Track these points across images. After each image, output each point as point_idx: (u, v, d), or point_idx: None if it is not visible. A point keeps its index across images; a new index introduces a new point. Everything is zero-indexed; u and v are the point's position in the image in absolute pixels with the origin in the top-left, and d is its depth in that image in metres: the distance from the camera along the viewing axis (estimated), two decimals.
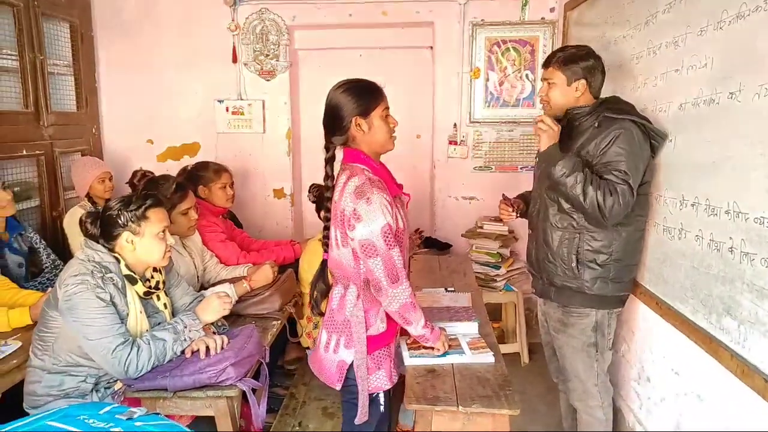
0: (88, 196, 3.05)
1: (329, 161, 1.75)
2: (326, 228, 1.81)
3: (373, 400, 1.77)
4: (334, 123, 1.71)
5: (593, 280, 2.03)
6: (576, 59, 2.04)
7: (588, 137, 2.00)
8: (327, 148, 1.74)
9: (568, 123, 2.08)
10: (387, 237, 1.63)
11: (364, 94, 1.70)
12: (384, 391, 1.79)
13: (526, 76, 3.65)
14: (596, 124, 1.99)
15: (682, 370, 1.94)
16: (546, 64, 2.11)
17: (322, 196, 2.52)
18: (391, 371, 1.80)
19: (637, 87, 2.25)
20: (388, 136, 1.74)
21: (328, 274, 1.86)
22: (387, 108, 1.73)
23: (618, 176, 1.88)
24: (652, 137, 1.99)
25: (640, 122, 1.96)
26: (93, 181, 3.04)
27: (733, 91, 1.55)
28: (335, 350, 1.78)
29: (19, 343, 1.97)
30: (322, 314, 1.91)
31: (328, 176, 1.76)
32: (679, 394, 1.95)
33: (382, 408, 1.80)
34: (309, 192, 2.78)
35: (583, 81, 2.03)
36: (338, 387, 1.78)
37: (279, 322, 2.32)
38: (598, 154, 1.94)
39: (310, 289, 1.91)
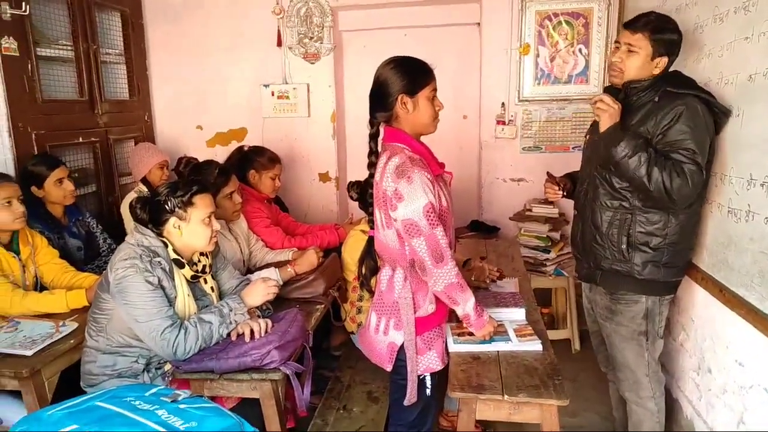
0: (145, 181, 3.15)
1: (373, 137, 1.75)
2: (370, 207, 1.80)
3: (420, 382, 1.76)
4: (379, 98, 1.70)
5: (644, 264, 1.91)
6: (668, 30, 1.86)
7: (646, 113, 1.85)
8: (371, 124, 1.74)
9: (624, 97, 1.94)
10: (430, 216, 1.61)
11: (413, 73, 1.68)
12: (432, 375, 1.77)
13: (579, 50, 3.48)
14: (656, 99, 1.85)
15: (747, 361, 1.82)
16: (632, 26, 1.88)
17: (364, 192, 2.51)
18: (443, 352, 1.79)
19: (701, 58, 2.09)
20: (431, 119, 1.72)
21: (375, 251, 1.86)
22: (435, 90, 1.71)
23: (685, 155, 1.75)
24: (716, 113, 1.84)
25: (704, 97, 1.81)
26: (153, 167, 3.13)
27: None
28: (385, 332, 1.78)
29: (76, 324, 2.05)
30: (371, 291, 1.93)
31: (372, 152, 1.76)
32: (744, 387, 1.83)
33: (428, 391, 1.79)
34: (349, 189, 2.74)
35: (666, 58, 1.86)
36: (389, 368, 1.79)
37: (323, 306, 2.32)
38: (660, 132, 1.80)
39: (358, 266, 1.93)
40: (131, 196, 2.84)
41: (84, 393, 1.26)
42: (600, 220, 1.97)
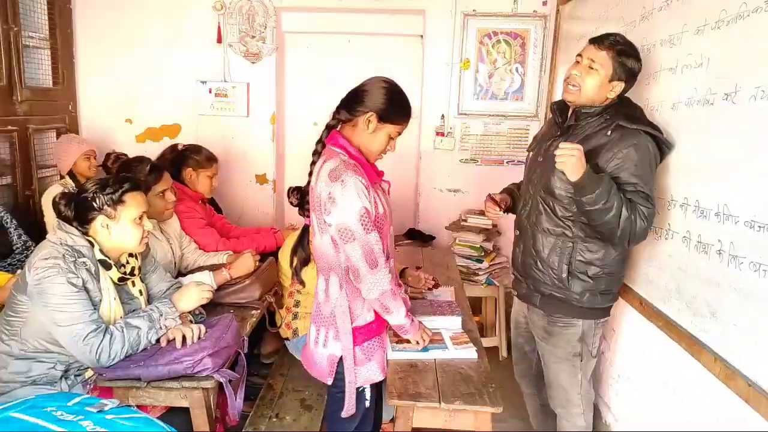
0: (71, 174, 2.96)
1: (329, 128, 1.75)
2: (308, 212, 1.81)
3: (359, 395, 1.74)
4: (353, 101, 1.69)
5: (583, 292, 1.92)
6: (633, 57, 1.81)
7: (601, 144, 1.81)
8: (333, 117, 1.74)
9: (575, 121, 1.91)
10: (364, 221, 1.61)
11: (396, 106, 1.69)
12: (371, 386, 1.76)
13: (516, 69, 3.62)
14: (608, 133, 1.80)
15: (663, 370, 1.94)
16: (598, 43, 1.82)
17: (304, 198, 2.48)
18: (384, 363, 1.78)
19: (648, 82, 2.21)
20: (378, 151, 1.75)
21: (307, 242, 1.86)
22: (399, 133, 1.74)
23: (642, 197, 1.75)
24: (663, 149, 1.83)
25: (653, 133, 1.80)
26: (78, 159, 2.95)
27: (729, 92, 1.54)
28: (324, 344, 1.75)
29: None
30: (303, 283, 1.95)
31: (316, 150, 1.77)
32: (659, 395, 1.96)
33: (367, 403, 1.77)
34: (289, 195, 2.70)
35: (622, 84, 1.82)
36: (329, 381, 1.76)
37: (258, 311, 2.26)
38: (613, 168, 1.78)
39: (290, 256, 1.91)
40: (55, 189, 2.66)
41: None
42: (541, 246, 1.96)
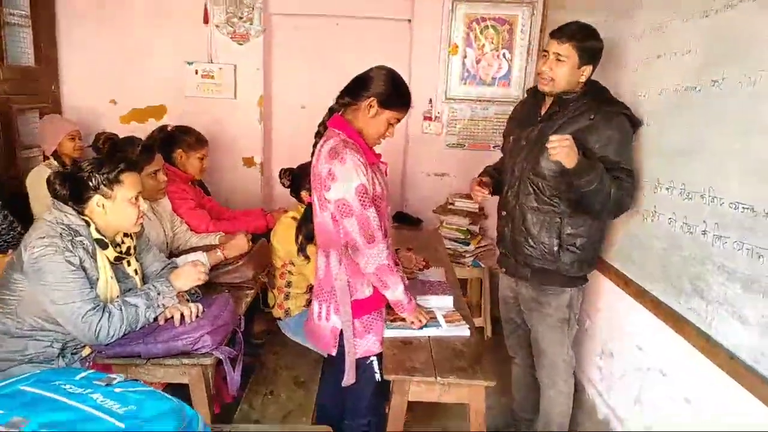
0: (56, 155, 2.92)
1: (331, 111, 1.82)
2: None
3: (367, 367, 1.81)
4: (357, 87, 1.76)
5: (573, 262, 2.06)
6: (592, 39, 1.96)
7: (585, 127, 1.94)
8: (337, 102, 1.80)
9: (558, 108, 2.03)
10: (362, 197, 1.68)
11: (397, 93, 1.77)
12: (379, 360, 1.82)
13: (504, 55, 3.66)
14: (591, 116, 1.94)
15: (646, 346, 2.03)
16: (559, 36, 1.96)
17: (295, 179, 2.50)
18: (382, 336, 1.83)
19: (619, 71, 2.28)
20: (378, 136, 1.81)
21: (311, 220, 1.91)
22: (398, 120, 1.81)
23: (625, 173, 1.94)
24: (635, 127, 2.02)
25: (628, 114, 1.98)
26: (63, 139, 2.92)
27: (716, 79, 1.60)
28: (327, 318, 1.82)
29: None
30: (308, 257, 2.05)
31: (318, 132, 1.85)
32: (642, 369, 2.04)
33: (377, 376, 1.83)
34: (281, 176, 2.71)
35: (590, 66, 1.97)
36: (333, 352, 1.83)
37: (252, 291, 2.29)
38: (599, 148, 1.92)
39: (296, 232, 2.00)
40: (41, 170, 2.63)
41: None
42: (531, 224, 2.08)
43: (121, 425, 1.02)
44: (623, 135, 1.95)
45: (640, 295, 2.00)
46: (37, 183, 2.70)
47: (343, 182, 1.67)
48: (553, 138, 1.83)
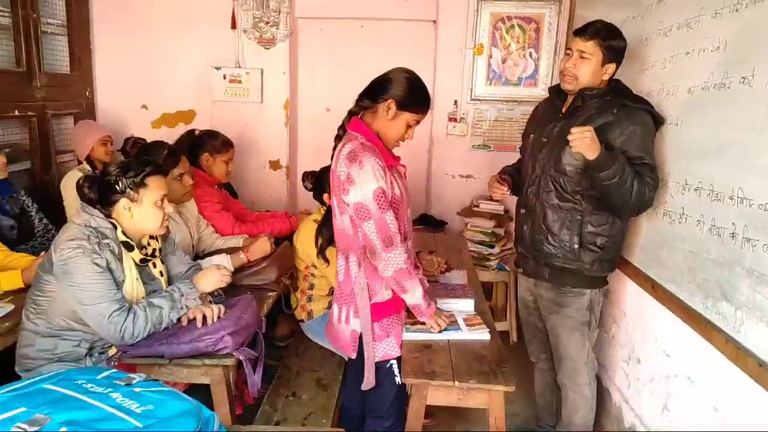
0: (88, 160, 3.02)
1: (351, 114, 1.82)
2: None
3: (387, 370, 1.82)
4: (375, 89, 1.76)
5: (593, 262, 2.04)
6: (617, 38, 1.95)
7: (608, 123, 1.93)
8: (356, 104, 1.81)
9: (581, 103, 2.01)
10: (380, 200, 1.67)
11: (416, 95, 1.77)
12: (398, 362, 1.82)
13: (530, 54, 3.61)
14: (615, 111, 1.93)
15: (673, 352, 1.97)
16: (583, 34, 1.95)
17: (318, 182, 2.52)
18: (402, 339, 1.84)
19: (645, 69, 2.22)
20: (396, 138, 1.81)
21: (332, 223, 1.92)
22: (418, 122, 1.80)
23: (648, 170, 1.90)
24: (657, 124, 1.99)
25: (651, 111, 1.96)
26: (95, 144, 3.01)
27: (746, 75, 1.54)
28: (347, 321, 1.83)
29: (12, 306, 1.95)
30: (327, 260, 2.06)
31: (338, 135, 1.84)
32: (669, 376, 1.98)
33: (398, 379, 1.83)
34: (304, 179, 2.73)
35: (614, 65, 1.97)
36: (353, 355, 1.84)
37: (275, 293, 2.31)
38: (621, 143, 1.91)
39: (315, 235, 2.02)
40: (74, 174, 2.71)
41: (19, 378, 1.21)
42: (552, 221, 2.06)
43: (139, 424, 1.04)
44: (646, 130, 1.92)
45: (667, 299, 1.94)
46: (70, 187, 2.78)
47: (361, 186, 1.67)
48: (574, 129, 1.82)
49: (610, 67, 1.97)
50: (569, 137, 1.83)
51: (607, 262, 2.07)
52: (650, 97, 2.04)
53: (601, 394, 2.43)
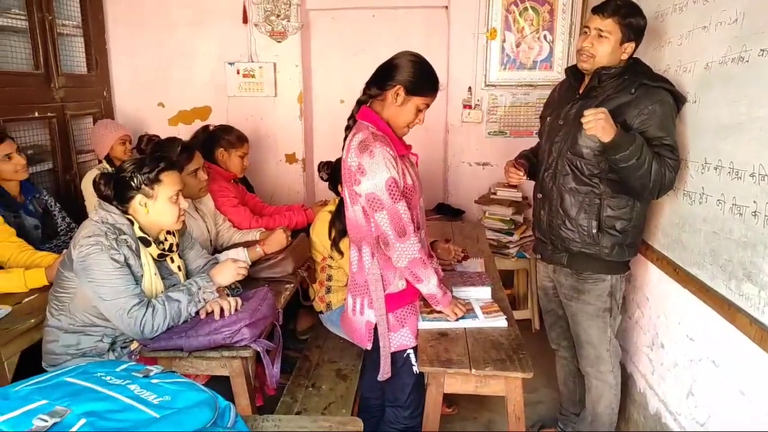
0: (108, 159, 3.06)
1: (360, 103, 1.80)
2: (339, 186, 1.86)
3: (404, 360, 1.82)
4: (382, 76, 1.74)
5: (612, 246, 1.99)
6: (636, 15, 1.89)
7: (625, 104, 1.88)
8: (363, 92, 1.78)
9: (597, 83, 1.96)
10: (392, 190, 1.65)
11: (423, 78, 1.73)
12: (415, 352, 1.82)
13: (544, 37, 3.54)
14: (632, 91, 1.87)
15: (697, 336, 1.93)
16: (602, 11, 1.89)
17: (334, 173, 2.51)
18: (417, 329, 1.83)
19: (661, 46, 2.17)
20: (406, 123, 1.78)
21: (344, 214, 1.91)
22: (428, 105, 1.77)
23: (668, 150, 1.84)
24: (678, 103, 1.92)
25: (672, 89, 1.89)
26: (114, 144, 3.05)
27: (765, 47, 1.48)
28: (361, 312, 1.83)
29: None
30: (341, 252, 2.07)
31: (348, 126, 1.82)
32: (694, 360, 1.94)
33: (415, 368, 1.83)
34: (320, 170, 2.73)
35: (633, 43, 1.90)
36: (369, 346, 1.84)
37: (292, 285, 2.32)
38: (640, 123, 1.85)
39: (328, 228, 2.00)
40: (94, 173, 2.75)
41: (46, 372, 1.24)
42: (569, 205, 2.02)
43: (156, 415, 1.06)
44: (665, 109, 1.85)
45: (689, 281, 1.90)
46: (89, 185, 2.83)
47: (372, 176, 1.65)
48: (587, 112, 1.77)
49: (629, 46, 1.91)
50: (582, 120, 1.78)
51: (627, 246, 2.02)
52: (667, 74, 1.99)
53: (626, 381, 2.40)
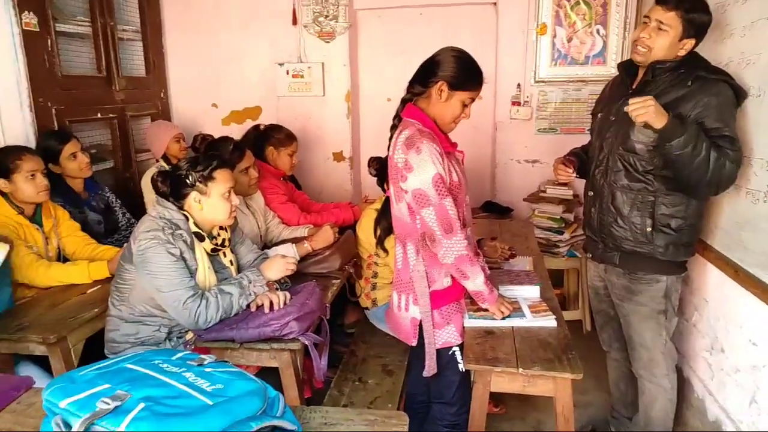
0: (165, 157, 3.19)
1: (404, 102, 1.81)
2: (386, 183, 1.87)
3: (450, 357, 1.82)
4: (425, 73, 1.73)
5: (667, 245, 1.92)
6: (701, 11, 1.79)
7: (681, 97, 1.80)
8: (407, 91, 1.79)
9: (652, 77, 1.88)
10: (438, 186, 1.65)
11: (466, 72, 1.72)
12: (461, 349, 1.81)
13: (597, 31, 3.44)
14: (689, 83, 1.79)
15: (760, 340, 1.83)
16: (665, 3, 1.79)
17: (382, 169, 2.53)
18: (462, 327, 1.82)
19: (723, 38, 2.07)
20: (452, 119, 1.77)
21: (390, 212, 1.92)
22: (473, 99, 1.75)
23: (729, 142, 1.74)
24: (738, 96, 1.82)
25: (731, 82, 1.79)
26: (169, 142, 3.17)
27: None
28: (406, 308, 1.83)
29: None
30: (386, 250, 2.12)
31: (394, 125, 1.82)
32: (757, 366, 1.85)
33: (461, 366, 1.83)
34: (369, 165, 2.75)
35: (693, 40, 1.81)
36: (414, 343, 1.84)
37: (339, 281, 2.36)
38: (696, 116, 1.76)
39: (374, 225, 2.04)
40: (152, 171, 2.87)
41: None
42: (621, 203, 1.96)
43: (209, 402, 1.09)
44: (723, 101, 1.76)
45: (752, 284, 1.81)
46: (149, 183, 2.95)
47: (419, 172, 1.65)
48: (632, 100, 1.69)
49: (689, 43, 1.81)
50: (626, 108, 1.70)
51: (683, 246, 1.94)
52: (728, 67, 1.90)
53: (682, 386, 2.31)
